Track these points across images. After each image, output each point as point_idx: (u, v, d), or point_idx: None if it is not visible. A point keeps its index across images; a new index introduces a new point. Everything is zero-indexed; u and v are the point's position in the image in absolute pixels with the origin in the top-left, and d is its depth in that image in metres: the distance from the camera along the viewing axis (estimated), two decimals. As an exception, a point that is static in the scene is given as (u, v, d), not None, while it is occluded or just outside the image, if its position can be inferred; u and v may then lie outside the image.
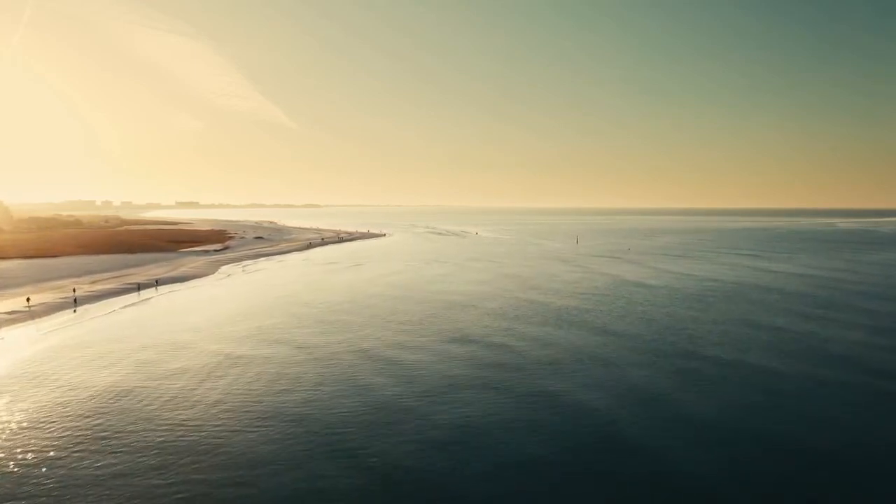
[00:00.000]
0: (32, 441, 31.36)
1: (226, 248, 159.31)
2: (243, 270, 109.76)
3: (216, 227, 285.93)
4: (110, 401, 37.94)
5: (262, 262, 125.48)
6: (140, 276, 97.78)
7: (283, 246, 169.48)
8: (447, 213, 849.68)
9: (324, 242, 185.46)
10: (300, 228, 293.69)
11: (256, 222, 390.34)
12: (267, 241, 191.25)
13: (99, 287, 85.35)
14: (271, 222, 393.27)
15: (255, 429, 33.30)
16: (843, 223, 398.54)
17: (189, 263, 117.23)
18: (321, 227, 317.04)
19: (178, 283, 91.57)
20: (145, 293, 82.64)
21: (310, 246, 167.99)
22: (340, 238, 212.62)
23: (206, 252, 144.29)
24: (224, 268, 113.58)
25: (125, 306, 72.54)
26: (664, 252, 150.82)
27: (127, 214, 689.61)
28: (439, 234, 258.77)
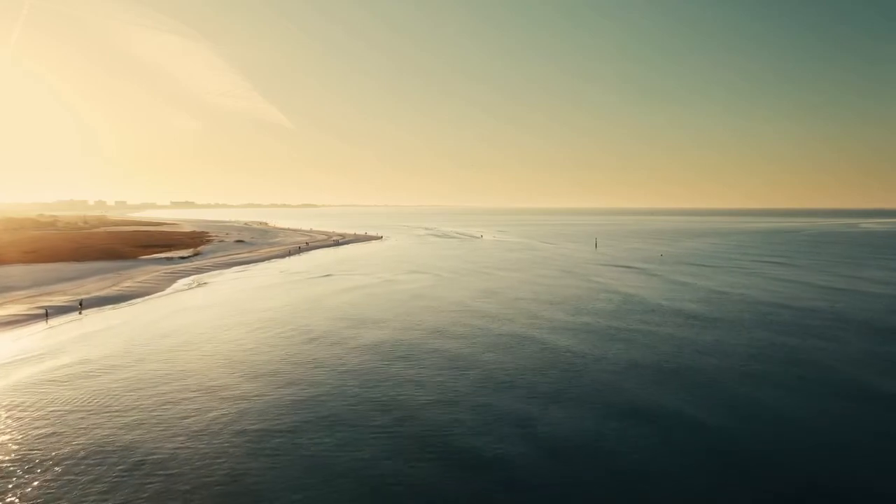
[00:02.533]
0: None
1: (197, 254, 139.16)
2: (197, 285, 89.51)
3: (199, 229, 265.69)
4: None
5: (229, 273, 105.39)
6: (68, 294, 77.63)
7: (263, 252, 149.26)
8: (447, 213, 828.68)
9: (309, 247, 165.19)
10: (291, 230, 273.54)
11: (246, 223, 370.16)
12: (247, 245, 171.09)
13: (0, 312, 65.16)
14: (262, 223, 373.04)
15: None
16: (865, 224, 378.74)
17: (141, 276, 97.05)
18: (314, 228, 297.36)
19: (109, 305, 71.48)
20: (55, 321, 62.54)
21: (290, 253, 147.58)
22: (334, 242, 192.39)
23: (171, 260, 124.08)
24: (181, 281, 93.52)
25: (8, 342, 52.41)
26: (704, 262, 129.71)
27: (118, 214, 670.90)
28: (439, 236, 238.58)
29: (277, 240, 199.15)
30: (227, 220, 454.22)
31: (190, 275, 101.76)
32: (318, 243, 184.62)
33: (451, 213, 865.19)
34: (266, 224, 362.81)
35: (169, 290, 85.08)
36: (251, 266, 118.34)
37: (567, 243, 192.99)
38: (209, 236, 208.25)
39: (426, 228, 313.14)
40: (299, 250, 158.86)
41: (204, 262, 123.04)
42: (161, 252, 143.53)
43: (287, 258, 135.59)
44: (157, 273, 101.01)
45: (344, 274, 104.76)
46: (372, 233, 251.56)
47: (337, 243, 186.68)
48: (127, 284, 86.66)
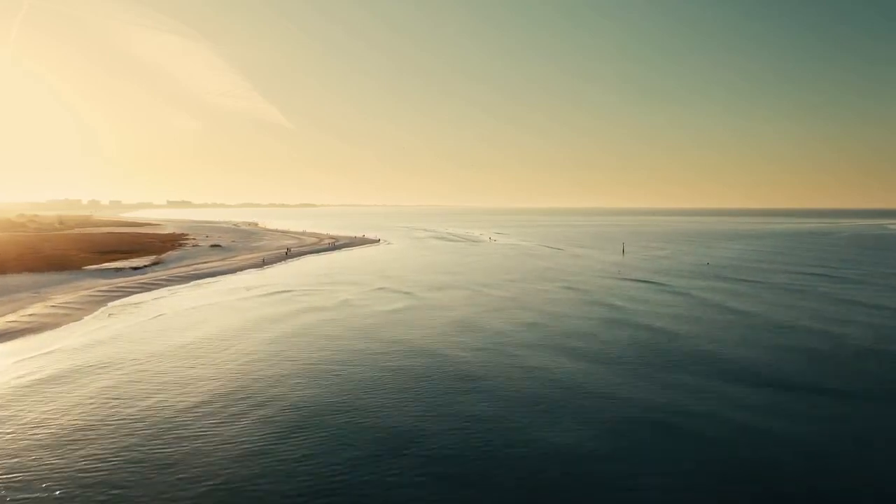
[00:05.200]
0: None
1: (157, 263, 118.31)
2: (112, 315, 67.55)
3: (180, 231, 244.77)
4: None
5: (179, 290, 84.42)
6: (-59, 326, 56.73)
7: (237, 260, 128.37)
8: (448, 213, 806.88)
9: (291, 254, 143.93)
10: (280, 232, 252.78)
11: (235, 224, 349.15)
12: (223, 251, 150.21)
13: None
14: (252, 224, 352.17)
15: None
16: (893, 225, 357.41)
17: (65, 295, 76.29)
18: (307, 230, 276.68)
19: (-20, 348, 50.56)
20: None
21: (266, 262, 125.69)
22: (325, 246, 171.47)
23: (121, 271, 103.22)
24: (112, 304, 72.78)
25: None
26: (762, 277, 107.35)
27: (110, 214, 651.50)
28: (440, 238, 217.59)
29: (261, 244, 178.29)
30: (219, 220, 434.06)
31: (132, 293, 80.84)
32: (306, 248, 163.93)
33: (452, 213, 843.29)
34: (256, 225, 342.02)
35: (87, 317, 64.21)
36: (212, 279, 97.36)
37: (582, 248, 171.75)
38: (185, 239, 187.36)
39: (426, 230, 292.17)
40: (285, 256, 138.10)
41: (160, 273, 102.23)
42: (120, 259, 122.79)
43: (261, 269, 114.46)
44: (89, 291, 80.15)
45: (307, 292, 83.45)
46: (369, 235, 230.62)
47: (328, 248, 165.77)
48: (32, 311, 65.67)
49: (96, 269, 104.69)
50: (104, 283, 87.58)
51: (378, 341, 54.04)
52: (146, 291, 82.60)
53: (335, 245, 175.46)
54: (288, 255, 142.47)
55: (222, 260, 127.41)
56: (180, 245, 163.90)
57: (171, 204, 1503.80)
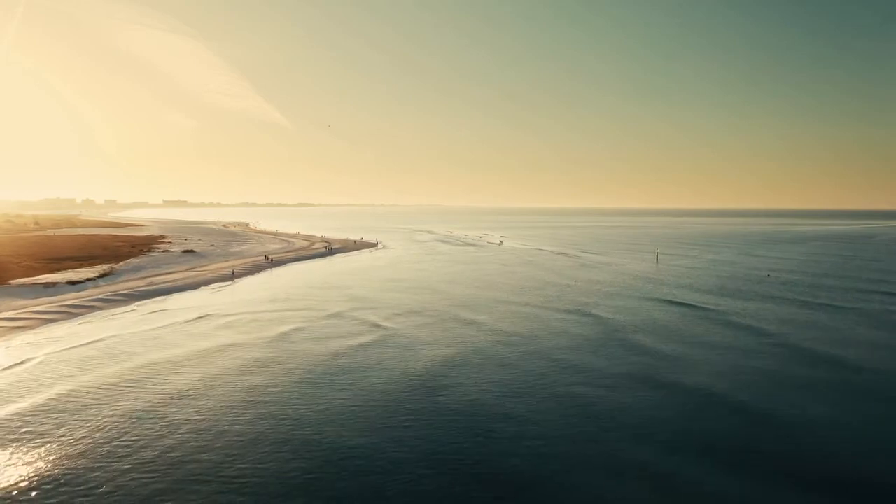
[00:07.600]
0: None
1: (107, 274, 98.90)
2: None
3: (159, 233, 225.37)
4: None
5: (112, 315, 63.83)
6: None
7: (207, 270, 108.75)
8: (448, 213, 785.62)
9: (273, 263, 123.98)
10: (268, 234, 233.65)
11: (224, 225, 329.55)
12: (197, 256, 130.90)
13: None
14: (242, 225, 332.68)
15: None
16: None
17: (-49, 325, 56.75)
18: (301, 231, 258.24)
19: None
20: None
21: (236, 275, 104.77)
22: (313, 252, 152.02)
23: (52, 287, 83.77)
24: (9, 337, 53.27)
25: None
26: (843, 294, 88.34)
27: (103, 213, 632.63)
28: (444, 241, 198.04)
29: (243, 248, 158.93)
30: (210, 220, 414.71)
31: (45, 321, 61.18)
32: (293, 253, 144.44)
33: (453, 212, 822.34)
34: (247, 226, 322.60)
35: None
36: (163, 298, 77.15)
37: (600, 255, 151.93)
38: (159, 243, 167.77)
39: (428, 231, 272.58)
40: (266, 264, 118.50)
41: (102, 289, 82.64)
42: (67, 270, 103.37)
43: (229, 282, 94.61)
44: (-12, 319, 60.63)
45: (256, 320, 62.97)
46: (367, 238, 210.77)
47: (319, 254, 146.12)
48: None
49: (24, 285, 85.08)
50: (18, 307, 68.06)
51: (282, 417, 34.45)
52: (67, 319, 62.54)
53: (329, 250, 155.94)
54: (271, 263, 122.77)
55: (188, 270, 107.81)
56: (149, 250, 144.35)
57: (167, 203, 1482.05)
